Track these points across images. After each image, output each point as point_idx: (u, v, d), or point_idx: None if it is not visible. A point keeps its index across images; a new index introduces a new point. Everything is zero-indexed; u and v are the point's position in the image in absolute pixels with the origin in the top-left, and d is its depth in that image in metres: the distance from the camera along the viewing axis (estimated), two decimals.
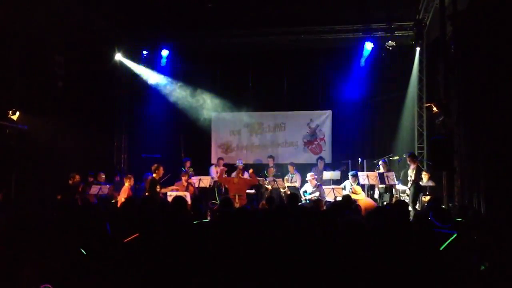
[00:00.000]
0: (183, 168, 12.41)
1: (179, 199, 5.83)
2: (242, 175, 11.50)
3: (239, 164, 12.37)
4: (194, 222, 4.82)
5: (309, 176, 11.88)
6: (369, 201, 9.67)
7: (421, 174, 10.84)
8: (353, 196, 9.18)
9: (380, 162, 11.57)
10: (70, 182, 11.07)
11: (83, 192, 11.72)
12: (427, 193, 10.57)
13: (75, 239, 4.48)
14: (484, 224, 5.53)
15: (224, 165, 13.49)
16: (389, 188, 11.13)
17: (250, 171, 11.62)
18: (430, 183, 10.68)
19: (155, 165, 10.34)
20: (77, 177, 11.20)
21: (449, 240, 3.95)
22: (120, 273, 3.93)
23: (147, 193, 10.01)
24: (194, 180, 11.67)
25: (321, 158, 13.16)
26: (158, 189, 10.12)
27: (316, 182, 11.82)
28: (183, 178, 11.25)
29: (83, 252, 4.18)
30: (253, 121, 14.81)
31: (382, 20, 12.97)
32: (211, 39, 14.14)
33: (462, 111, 9.27)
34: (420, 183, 10.67)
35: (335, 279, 3.34)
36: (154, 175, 10.17)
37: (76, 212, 5.65)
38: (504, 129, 7.32)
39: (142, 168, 12.85)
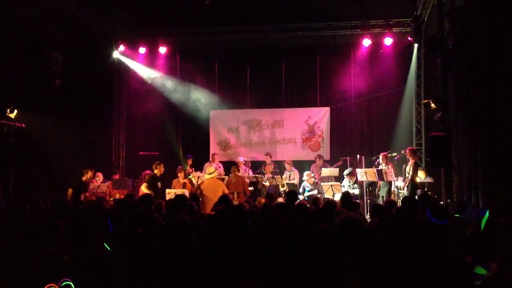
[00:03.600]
0: (184, 166, 12.39)
1: (179, 198, 5.87)
2: (239, 172, 11.49)
3: (240, 160, 12.49)
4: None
5: (306, 175, 11.89)
6: (214, 183, 9.96)
7: (418, 169, 10.85)
8: (206, 176, 10.18)
9: (380, 156, 11.56)
10: (84, 178, 10.88)
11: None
12: (425, 189, 10.57)
13: (75, 236, 4.47)
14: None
15: (222, 162, 13.49)
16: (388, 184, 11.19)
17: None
18: (429, 179, 10.69)
19: (157, 162, 10.32)
20: (90, 173, 10.93)
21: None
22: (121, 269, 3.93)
23: (148, 191, 9.94)
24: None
25: (319, 156, 13.15)
26: (159, 186, 10.11)
27: (314, 180, 11.84)
28: (180, 175, 11.23)
29: (83, 250, 4.18)
30: (251, 118, 14.79)
31: (380, 17, 12.95)
32: (209, 36, 14.13)
33: (460, 107, 9.28)
34: (418, 179, 10.67)
35: (333, 277, 3.33)
36: (155, 171, 10.13)
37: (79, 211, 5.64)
38: (502, 124, 7.33)
39: (140, 165, 12.85)
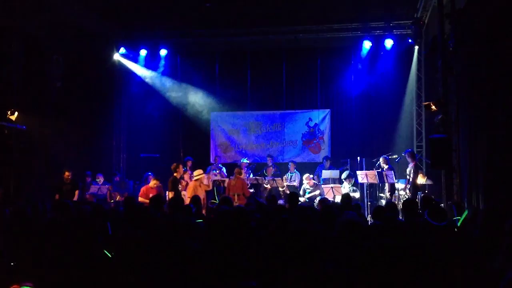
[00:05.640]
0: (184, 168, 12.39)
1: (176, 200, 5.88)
2: (242, 174, 11.49)
3: (243, 162, 12.55)
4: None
5: (305, 179, 11.90)
6: (196, 186, 10.26)
7: (419, 172, 10.84)
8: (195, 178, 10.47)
9: (380, 159, 11.58)
10: (63, 179, 10.87)
11: (83, 191, 11.71)
12: (426, 191, 10.57)
13: (74, 238, 4.48)
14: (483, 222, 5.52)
15: (223, 164, 13.48)
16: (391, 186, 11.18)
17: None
18: (428, 182, 10.69)
19: (174, 164, 10.41)
20: (67, 173, 10.83)
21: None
22: (119, 271, 3.93)
23: (170, 193, 9.97)
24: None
25: (327, 157, 13.13)
26: (180, 188, 10.16)
27: (313, 182, 11.85)
28: (185, 177, 11.27)
29: (82, 251, 4.19)
30: (252, 120, 14.81)
31: (380, 19, 12.98)
32: (209, 38, 14.15)
33: (461, 109, 9.26)
34: (418, 181, 10.67)
35: (333, 278, 3.33)
36: (175, 174, 10.20)
37: (72, 212, 5.65)
38: (502, 127, 7.32)
39: (141, 167, 12.85)
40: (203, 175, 10.68)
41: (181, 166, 10.43)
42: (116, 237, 4.67)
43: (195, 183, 10.37)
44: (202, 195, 10.13)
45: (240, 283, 2.82)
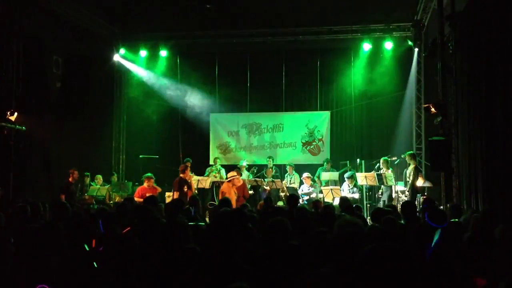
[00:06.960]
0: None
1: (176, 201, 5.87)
2: (241, 176, 11.48)
3: (243, 164, 12.54)
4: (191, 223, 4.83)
5: (305, 175, 11.91)
6: (229, 188, 10.00)
7: (418, 174, 10.83)
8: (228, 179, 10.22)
9: (381, 161, 11.59)
10: (70, 179, 10.94)
11: (82, 192, 11.70)
12: (425, 194, 10.56)
13: (72, 237, 4.47)
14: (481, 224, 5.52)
15: (222, 166, 13.47)
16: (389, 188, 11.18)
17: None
18: (427, 184, 10.68)
19: (182, 166, 10.40)
20: (76, 172, 11.01)
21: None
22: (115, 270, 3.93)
23: (175, 193, 9.97)
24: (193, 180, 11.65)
25: (327, 160, 13.13)
26: (185, 189, 10.15)
27: (311, 182, 11.85)
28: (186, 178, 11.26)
29: (79, 250, 4.19)
30: (251, 122, 14.79)
31: (380, 21, 12.98)
32: (209, 39, 14.15)
33: (460, 111, 9.28)
34: (418, 183, 10.66)
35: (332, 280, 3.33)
36: (181, 175, 10.19)
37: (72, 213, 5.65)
38: (502, 129, 7.33)
39: (140, 169, 12.84)
40: (237, 176, 10.35)
41: (189, 169, 10.40)
42: (111, 236, 4.67)
43: (228, 185, 10.13)
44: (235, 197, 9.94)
45: (234, 284, 2.81)
